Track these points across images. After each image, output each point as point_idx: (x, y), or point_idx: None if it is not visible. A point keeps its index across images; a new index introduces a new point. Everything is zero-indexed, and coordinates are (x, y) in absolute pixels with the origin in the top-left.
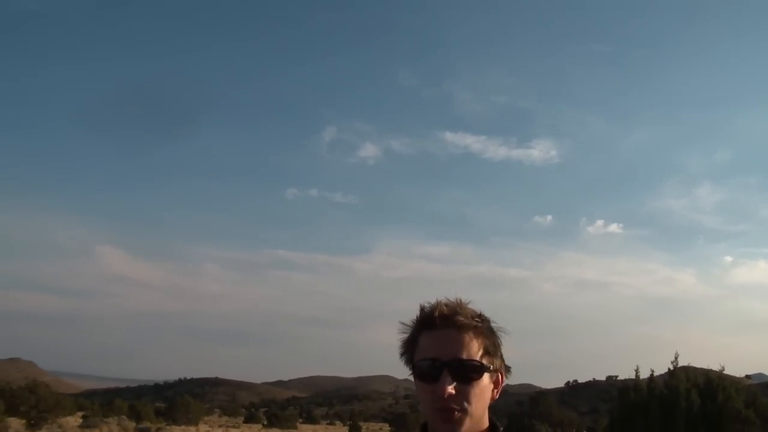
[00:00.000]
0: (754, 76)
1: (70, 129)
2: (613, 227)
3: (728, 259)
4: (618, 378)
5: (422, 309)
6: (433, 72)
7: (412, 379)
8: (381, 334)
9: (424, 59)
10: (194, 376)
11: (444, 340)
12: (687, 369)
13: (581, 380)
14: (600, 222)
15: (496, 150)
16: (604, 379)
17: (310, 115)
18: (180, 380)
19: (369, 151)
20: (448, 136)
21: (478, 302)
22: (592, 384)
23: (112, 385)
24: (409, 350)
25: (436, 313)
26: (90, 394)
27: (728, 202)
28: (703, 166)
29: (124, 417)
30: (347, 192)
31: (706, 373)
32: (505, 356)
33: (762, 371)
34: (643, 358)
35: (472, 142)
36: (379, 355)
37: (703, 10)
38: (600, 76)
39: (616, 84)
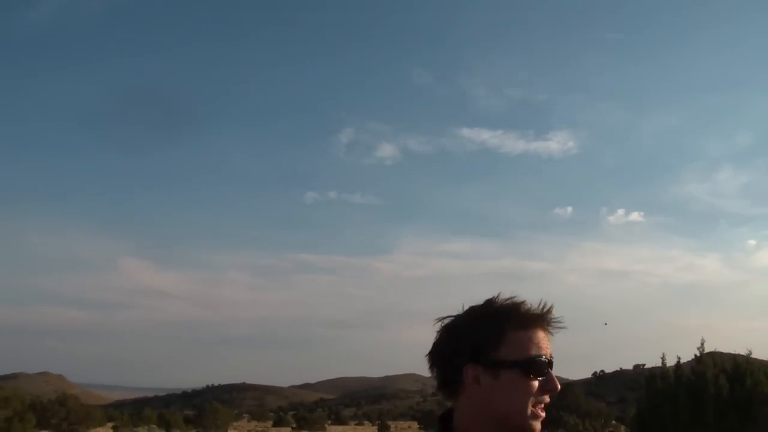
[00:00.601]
0: None
1: (81, 137)
2: (634, 216)
3: (752, 242)
4: (645, 366)
5: (523, 306)
6: (446, 68)
7: (490, 371)
8: (406, 333)
9: (437, 56)
10: (222, 383)
11: (546, 340)
12: (714, 354)
13: (608, 370)
14: (621, 211)
15: (513, 144)
16: (631, 368)
17: (327, 118)
18: (207, 387)
19: (386, 151)
20: (465, 132)
21: (507, 295)
22: (620, 373)
23: (141, 394)
24: (497, 342)
25: (550, 314)
26: (119, 405)
27: (750, 185)
28: (724, 149)
29: (154, 426)
30: (366, 193)
31: (734, 358)
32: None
33: None
34: (670, 345)
35: (488, 137)
36: (404, 353)
37: None
38: (614, 64)
39: (631, 72)
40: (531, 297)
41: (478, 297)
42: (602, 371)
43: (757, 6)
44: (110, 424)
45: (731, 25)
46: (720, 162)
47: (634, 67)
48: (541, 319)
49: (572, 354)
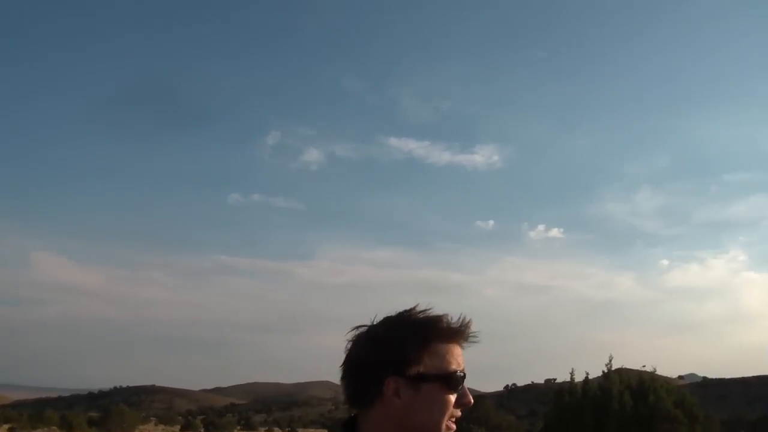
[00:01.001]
0: (694, 84)
1: None
2: (555, 232)
3: (665, 262)
4: (556, 381)
5: (444, 319)
6: (377, 77)
7: (411, 382)
8: (322, 340)
9: (368, 64)
10: (130, 384)
11: (461, 354)
12: (621, 371)
13: (520, 384)
14: (541, 227)
15: (439, 155)
16: (542, 382)
17: (253, 120)
18: (115, 388)
19: (312, 156)
20: (392, 141)
21: (423, 306)
22: (531, 387)
23: (44, 395)
24: (420, 355)
25: (469, 329)
26: (18, 405)
27: (666, 207)
28: (643, 171)
29: (55, 428)
30: (290, 197)
31: (639, 375)
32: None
33: (694, 371)
34: (582, 360)
35: (415, 147)
36: (319, 361)
37: (645, 18)
38: (542, 81)
39: (558, 90)
40: (450, 308)
41: (398, 306)
42: (514, 384)
43: (683, 38)
44: (7, 426)
45: (659, 53)
46: (639, 183)
47: (561, 85)
48: (461, 333)
49: (485, 366)
